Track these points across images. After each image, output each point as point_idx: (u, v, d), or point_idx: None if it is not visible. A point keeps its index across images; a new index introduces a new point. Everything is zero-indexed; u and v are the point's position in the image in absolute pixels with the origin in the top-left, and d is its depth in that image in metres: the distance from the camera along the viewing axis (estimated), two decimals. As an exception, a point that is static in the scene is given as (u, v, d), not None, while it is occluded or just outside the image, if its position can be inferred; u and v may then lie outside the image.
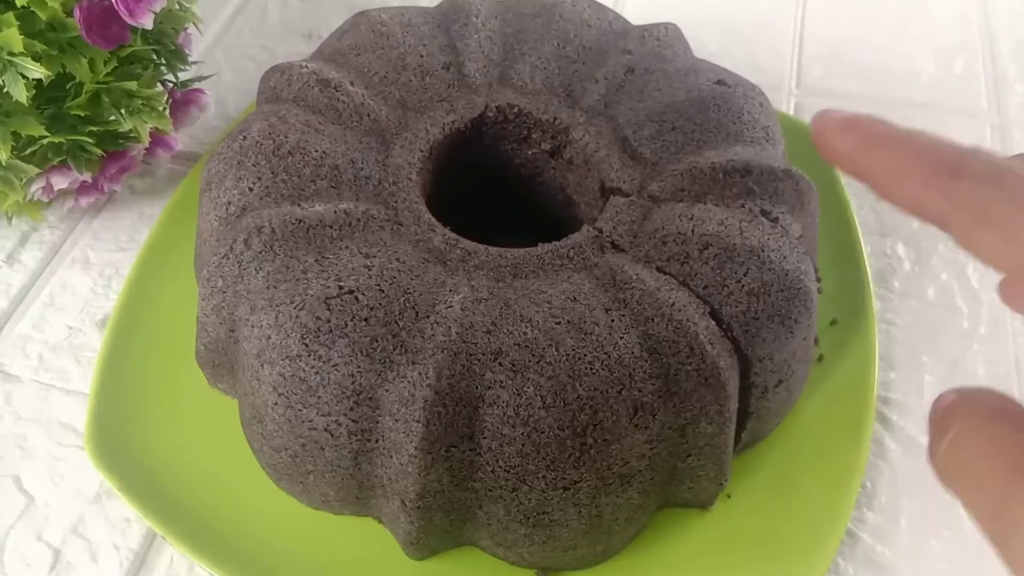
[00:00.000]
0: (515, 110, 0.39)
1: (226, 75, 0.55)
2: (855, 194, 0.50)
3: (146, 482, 0.36)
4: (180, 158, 0.49)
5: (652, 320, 0.31)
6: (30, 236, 0.46)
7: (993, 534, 0.19)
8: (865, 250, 0.44)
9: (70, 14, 0.38)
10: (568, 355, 0.30)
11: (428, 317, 0.31)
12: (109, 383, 0.38)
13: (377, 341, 0.30)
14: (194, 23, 0.44)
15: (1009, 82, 0.57)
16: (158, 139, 0.45)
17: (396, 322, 0.31)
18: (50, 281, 0.44)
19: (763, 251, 0.33)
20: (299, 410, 0.31)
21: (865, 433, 0.37)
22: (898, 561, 0.36)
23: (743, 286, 0.32)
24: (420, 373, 0.30)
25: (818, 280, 0.36)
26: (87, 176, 0.42)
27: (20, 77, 0.37)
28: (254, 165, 0.35)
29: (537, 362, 0.30)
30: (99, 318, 0.43)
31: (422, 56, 0.40)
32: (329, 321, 0.31)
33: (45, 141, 0.40)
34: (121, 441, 0.37)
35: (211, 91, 0.47)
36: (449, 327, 0.31)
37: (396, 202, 0.36)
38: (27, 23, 0.37)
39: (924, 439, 0.25)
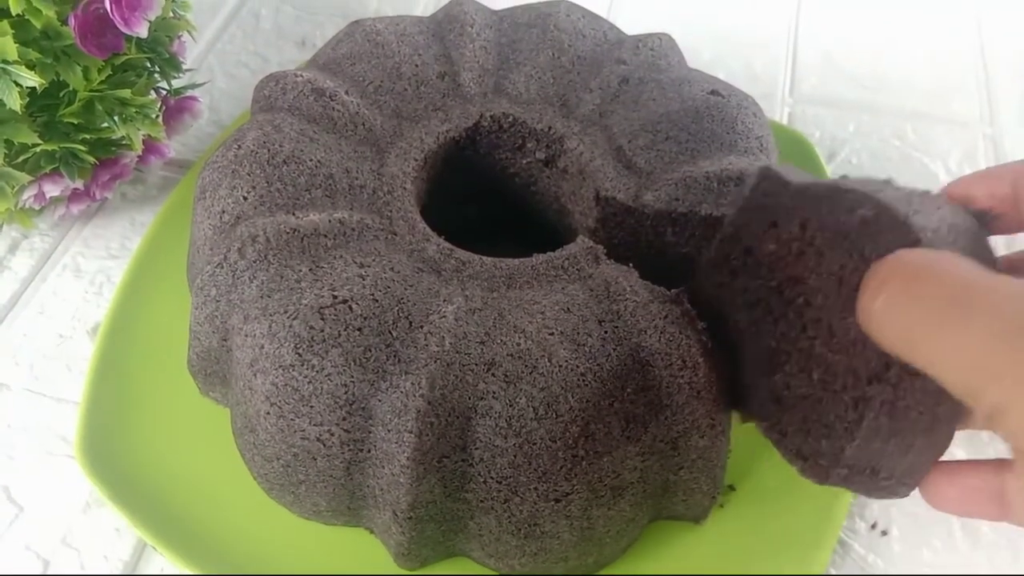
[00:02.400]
0: (510, 119, 0.39)
1: (219, 82, 0.55)
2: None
3: (136, 491, 0.35)
4: (172, 165, 0.49)
5: (645, 332, 0.31)
6: (20, 243, 0.46)
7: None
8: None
9: (64, 22, 0.38)
10: (561, 366, 0.30)
11: (422, 327, 0.31)
12: (100, 392, 0.38)
13: (370, 351, 0.30)
14: (188, 31, 0.44)
15: (1002, 92, 0.57)
16: (151, 146, 0.45)
17: (390, 332, 0.31)
18: (41, 289, 0.44)
19: None
20: (291, 420, 0.31)
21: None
22: (889, 570, 0.36)
23: None
24: (413, 383, 0.30)
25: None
26: (79, 183, 0.42)
27: (14, 85, 0.37)
28: (249, 174, 0.35)
29: (530, 373, 0.30)
30: (90, 326, 0.43)
31: (417, 65, 0.40)
32: (323, 331, 0.31)
33: (38, 149, 0.40)
34: (112, 450, 0.37)
35: (204, 98, 0.47)
36: (443, 337, 0.31)
37: (391, 211, 0.36)
38: (21, 31, 0.37)
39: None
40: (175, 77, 0.45)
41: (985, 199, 0.26)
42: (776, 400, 0.29)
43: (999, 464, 0.25)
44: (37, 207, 0.43)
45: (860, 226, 0.25)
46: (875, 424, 0.25)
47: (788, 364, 0.28)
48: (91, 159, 0.42)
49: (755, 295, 0.30)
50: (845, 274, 0.26)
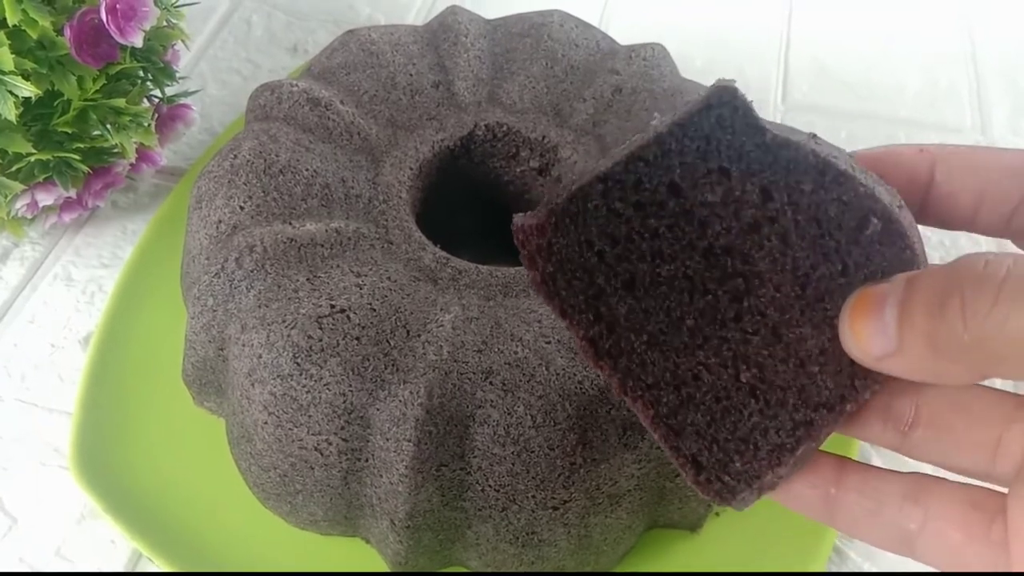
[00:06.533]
0: (504, 128, 0.40)
1: (211, 89, 0.55)
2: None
3: (131, 502, 0.35)
4: (164, 173, 0.49)
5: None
6: (11, 252, 0.46)
7: None
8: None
9: (60, 32, 0.38)
10: (558, 374, 0.30)
11: (419, 336, 0.31)
12: (93, 402, 0.38)
13: (369, 360, 0.30)
14: (182, 40, 0.44)
15: (993, 99, 0.57)
16: (143, 154, 0.45)
17: (388, 341, 0.31)
18: (32, 298, 0.44)
19: None
20: (289, 429, 0.31)
21: (852, 452, 0.37)
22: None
23: None
24: (411, 392, 0.30)
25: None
26: (72, 192, 0.42)
27: (9, 95, 0.36)
28: (245, 184, 0.35)
29: (527, 381, 0.30)
30: (82, 336, 0.43)
31: (412, 75, 0.40)
32: (321, 340, 0.31)
33: (32, 158, 0.39)
34: (106, 461, 0.36)
35: (195, 105, 0.47)
36: (440, 346, 0.31)
37: (387, 220, 0.36)
38: (17, 41, 0.37)
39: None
40: (168, 85, 0.45)
41: (902, 182, 0.23)
42: (675, 386, 0.24)
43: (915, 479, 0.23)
44: (29, 216, 0.43)
45: (855, 232, 0.22)
46: (807, 451, 0.23)
47: (703, 350, 0.23)
48: (84, 168, 0.42)
49: (669, 247, 0.23)
50: (814, 277, 0.22)
